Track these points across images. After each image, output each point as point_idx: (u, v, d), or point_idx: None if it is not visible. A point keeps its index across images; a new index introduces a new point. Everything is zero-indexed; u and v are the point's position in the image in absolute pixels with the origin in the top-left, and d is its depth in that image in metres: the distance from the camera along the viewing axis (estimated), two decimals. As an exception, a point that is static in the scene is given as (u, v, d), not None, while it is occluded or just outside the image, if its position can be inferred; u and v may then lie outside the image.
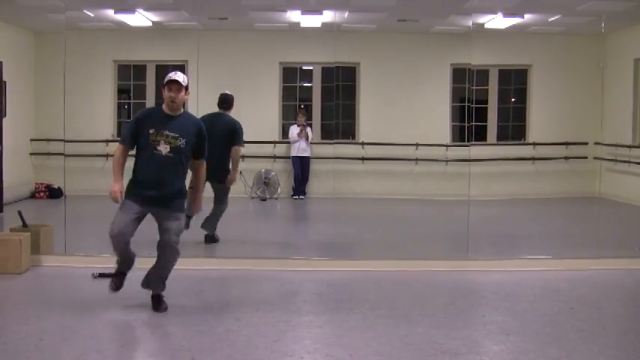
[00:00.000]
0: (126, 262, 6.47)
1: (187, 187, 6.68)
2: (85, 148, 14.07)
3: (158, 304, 6.42)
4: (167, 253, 6.35)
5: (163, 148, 6.20)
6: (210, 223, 9.36)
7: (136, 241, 6.34)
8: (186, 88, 6.36)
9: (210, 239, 9.41)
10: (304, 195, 14.38)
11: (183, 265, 7.94)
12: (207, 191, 8.27)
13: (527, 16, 12.92)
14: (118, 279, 6.49)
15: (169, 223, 6.30)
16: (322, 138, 15.09)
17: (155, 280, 6.47)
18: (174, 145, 6.22)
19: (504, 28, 13.75)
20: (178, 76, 6.31)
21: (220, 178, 8.96)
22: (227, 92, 9.54)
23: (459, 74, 14.69)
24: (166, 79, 6.28)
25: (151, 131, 6.21)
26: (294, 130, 14.36)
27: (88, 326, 5.90)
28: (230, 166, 9.10)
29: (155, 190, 6.23)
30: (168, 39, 14.36)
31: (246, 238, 10.42)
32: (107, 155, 14.48)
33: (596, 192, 13.07)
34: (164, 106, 6.37)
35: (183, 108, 6.49)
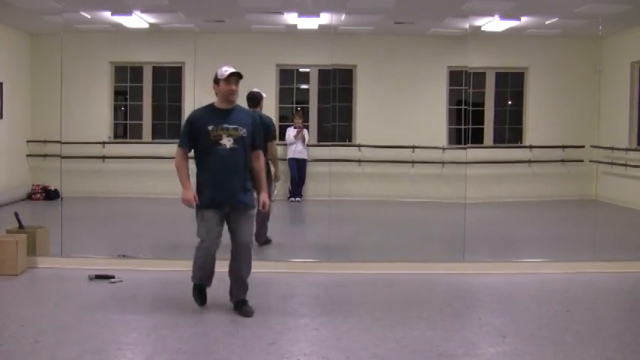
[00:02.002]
0: (206, 274, 6.54)
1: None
2: (81, 150, 14.07)
3: (243, 307, 6.44)
4: (242, 253, 6.40)
5: (227, 142, 6.23)
6: (262, 230, 9.27)
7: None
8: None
9: (265, 241, 9.39)
10: (300, 197, 14.38)
11: (178, 268, 7.97)
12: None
13: (524, 19, 12.94)
14: (199, 297, 6.63)
15: (242, 220, 6.36)
16: (319, 140, 15.09)
17: (238, 284, 6.51)
18: (236, 137, 6.26)
19: (501, 31, 13.76)
20: (234, 69, 6.31)
21: None
22: (254, 90, 9.33)
23: (456, 77, 14.70)
24: (227, 73, 6.25)
25: (209, 128, 6.23)
26: (290, 133, 14.37)
27: (84, 328, 5.90)
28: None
29: (226, 187, 6.26)
30: (165, 41, 14.36)
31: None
32: (104, 157, 14.51)
33: (592, 195, 13.07)
34: (216, 103, 6.41)
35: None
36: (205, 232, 6.32)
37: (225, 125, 6.25)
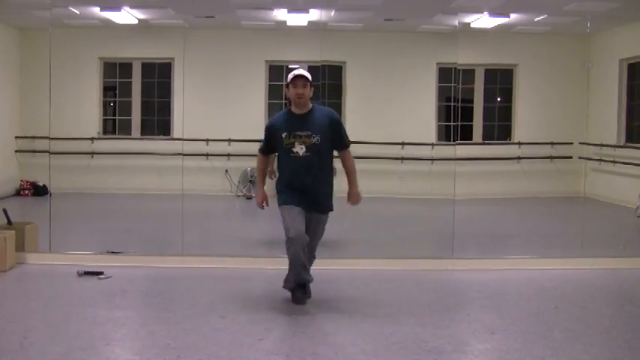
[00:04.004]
0: (302, 271, 6.32)
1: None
2: (70, 146, 14.02)
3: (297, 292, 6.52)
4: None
5: (299, 149, 6.22)
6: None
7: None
8: (311, 84, 6.29)
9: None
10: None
11: (170, 264, 7.97)
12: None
13: (513, 16, 12.96)
14: (300, 293, 6.49)
15: (317, 228, 6.44)
16: (308, 137, 15.06)
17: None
18: (309, 144, 6.22)
19: (490, 28, 13.78)
20: (302, 71, 6.24)
21: None
22: None
23: (445, 73, 14.72)
24: (291, 76, 6.22)
25: (283, 135, 6.23)
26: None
27: (73, 324, 5.88)
28: None
29: (303, 193, 6.26)
30: (155, 37, 14.35)
31: (232, 237, 10.42)
32: (92, 153, 14.48)
33: (581, 191, 13.12)
34: (292, 107, 6.37)
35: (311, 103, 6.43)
36: (290, 222, 6.20)
37: (297, 132, 6.23)
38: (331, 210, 6.52)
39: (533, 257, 8.59)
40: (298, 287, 6.49)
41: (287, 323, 6.07)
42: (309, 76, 6.26)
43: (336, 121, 6.48)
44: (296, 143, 6.21)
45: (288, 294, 6.64)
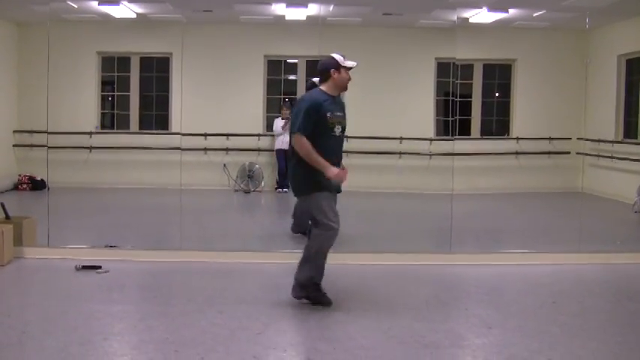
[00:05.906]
0: (321, 269, 6.44)
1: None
2: (68, 140, 14.02)
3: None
4: None
5: (337, 130, 6.35)
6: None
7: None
8: None
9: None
10: (288, 188, 14.34)
11: (168, 258, 7.97)
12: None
13: (512, 11, 12.95)
14: (322, 296, 6.44)
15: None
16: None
17: None
18: (343, 125, 6.43)
19: (489, 23, 13.76)
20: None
21: None
22: (314, 79, 8.77)
23: (444, 68, 14.70)
24: (348, 65, 6.54)
25: (328, 115, 6.27)
26: (278, 124, 14.33)
27: (71, 319, 5.88)
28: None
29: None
30: (153, 31, 14.33)
31: (230, 231, 10.42)
32: (91, 147, 14.46)
33: (578, 187, 13.12)
34: (326, 89, 6.45)
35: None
36: (334, 215, 6.29)
37: (337, 113, 6.37)
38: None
39: (531, 252, 8.61)
40: (314, 288, 6.43)
41: (285, 318, 6.08)
42: None
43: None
44: (336, 124, 6.32)
45: (286, 289, 6.60)
